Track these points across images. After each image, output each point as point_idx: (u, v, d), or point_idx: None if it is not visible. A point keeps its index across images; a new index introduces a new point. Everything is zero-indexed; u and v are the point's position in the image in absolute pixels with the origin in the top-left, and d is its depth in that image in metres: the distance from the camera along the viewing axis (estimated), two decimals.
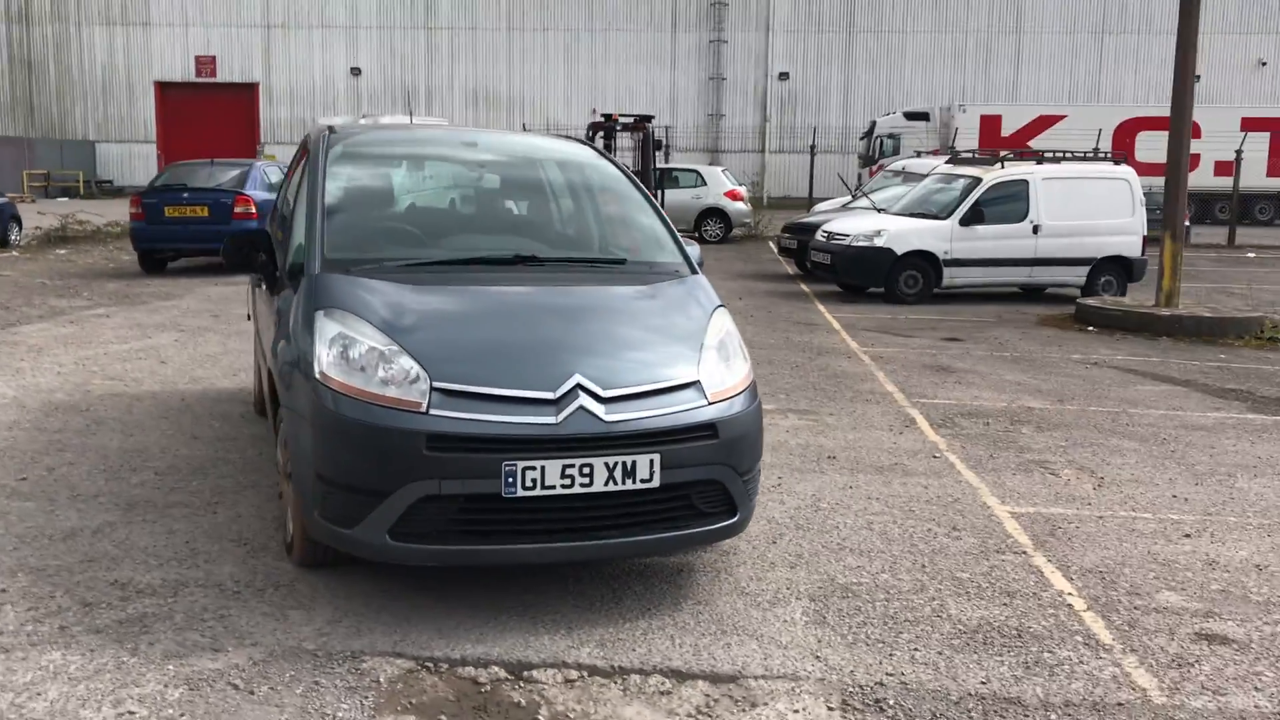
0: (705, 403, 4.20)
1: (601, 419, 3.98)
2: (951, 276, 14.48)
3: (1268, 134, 37.95)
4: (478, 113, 46.29)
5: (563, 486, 3.92)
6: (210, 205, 14.86)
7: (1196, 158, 33.27)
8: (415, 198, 5.48)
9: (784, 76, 46.94)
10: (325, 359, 4.12)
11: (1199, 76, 49.45)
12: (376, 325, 4.20)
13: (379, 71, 46.82)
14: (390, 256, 4.74)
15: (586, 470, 3.94)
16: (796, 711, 3.53)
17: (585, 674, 3.75)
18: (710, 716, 3.50)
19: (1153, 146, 31.09)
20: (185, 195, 15.02)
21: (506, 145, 6.05)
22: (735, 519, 4.30)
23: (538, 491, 3.90)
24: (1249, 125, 38.00)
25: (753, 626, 4.15)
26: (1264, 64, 46.69)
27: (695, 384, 4.24)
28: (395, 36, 46.70)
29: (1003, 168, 14.89)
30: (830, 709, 3.55)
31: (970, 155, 17.25)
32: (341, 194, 5.05)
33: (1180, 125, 12.86)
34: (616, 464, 3.97)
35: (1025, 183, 14.64)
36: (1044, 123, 37.81)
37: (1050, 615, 4.34)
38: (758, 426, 4.39)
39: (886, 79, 46.85)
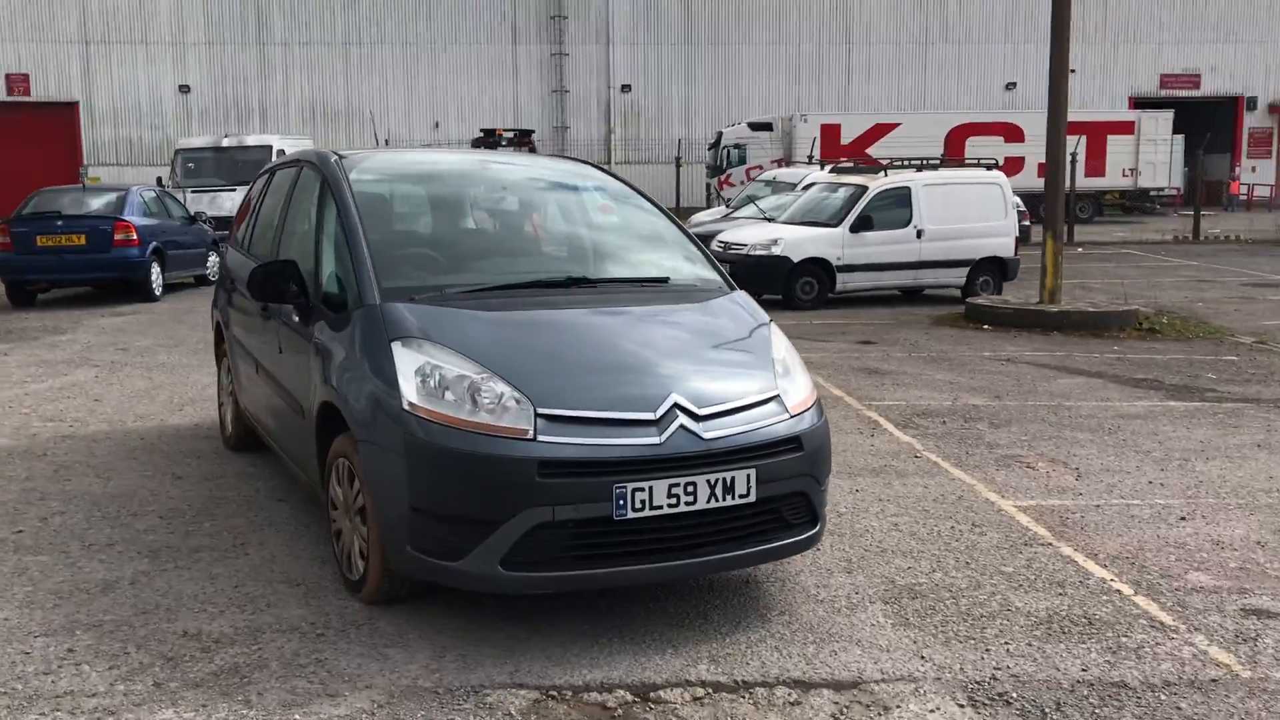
0: (788, 416, 4.30)
1: (701, 437, 4.03)
2: (844, 281, 14.93)
3: (1083, 137, 40.31)
4: (315, 129, 45.23)
5: (669, 506, 3.96)
6: (88, 233, 14.14)
7: (1021, 161, 35.08)
8: (449, 222, 5.39)
9: (626, 89, 47.42)
10: (412, 390, 4.05)
11: (1013, 84, 52.02)
12: (461, 353, 4.14)
13: (209, 88, 45.27)
14: (448, 283, 4.67)
15: (690, 488, 3.98)
16: (932, 712, 3.65)
17: (710, 690, 3.79)
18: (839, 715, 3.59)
19: (982, 151, 32.65)
20: (59, 223, 14.25)
21: (519, 167, 6.02)
22: (816, 529, 4.41)
23: (646, 512, 3.93)
24: (1069, 129, 40.24)
25: (845, 632, 4.25)
26: (1074, 71, 49.43)
27: (776, 398, 4.33)
28: (226, 52, 45.24)
29: (886, 175, 15.45)
30: (961, 706, 3.69)
31: (853, 164, 17.83)
32: (377, 220, 4.94)
33: (1056, 132, 13.61)
34: (717, 481, 4.02)
35: (908, 189, 15.21)
36: (880, 130, 39.24)
37: (1105, 602, 4.58)
38: (829, 437, 4.50)
39: (726, 91, 47.87)
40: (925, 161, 16.14)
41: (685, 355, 4.38)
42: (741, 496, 4.08)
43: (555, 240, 5.45)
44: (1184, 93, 48.73)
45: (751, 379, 4.36)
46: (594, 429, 3.95)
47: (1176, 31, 49.55)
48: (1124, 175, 39.55)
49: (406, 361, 4.14)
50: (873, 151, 35.71)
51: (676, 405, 4.06)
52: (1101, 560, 5.09)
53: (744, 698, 3.75)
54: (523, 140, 20.84)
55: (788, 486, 4.22)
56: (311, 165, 5.59)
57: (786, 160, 37.98)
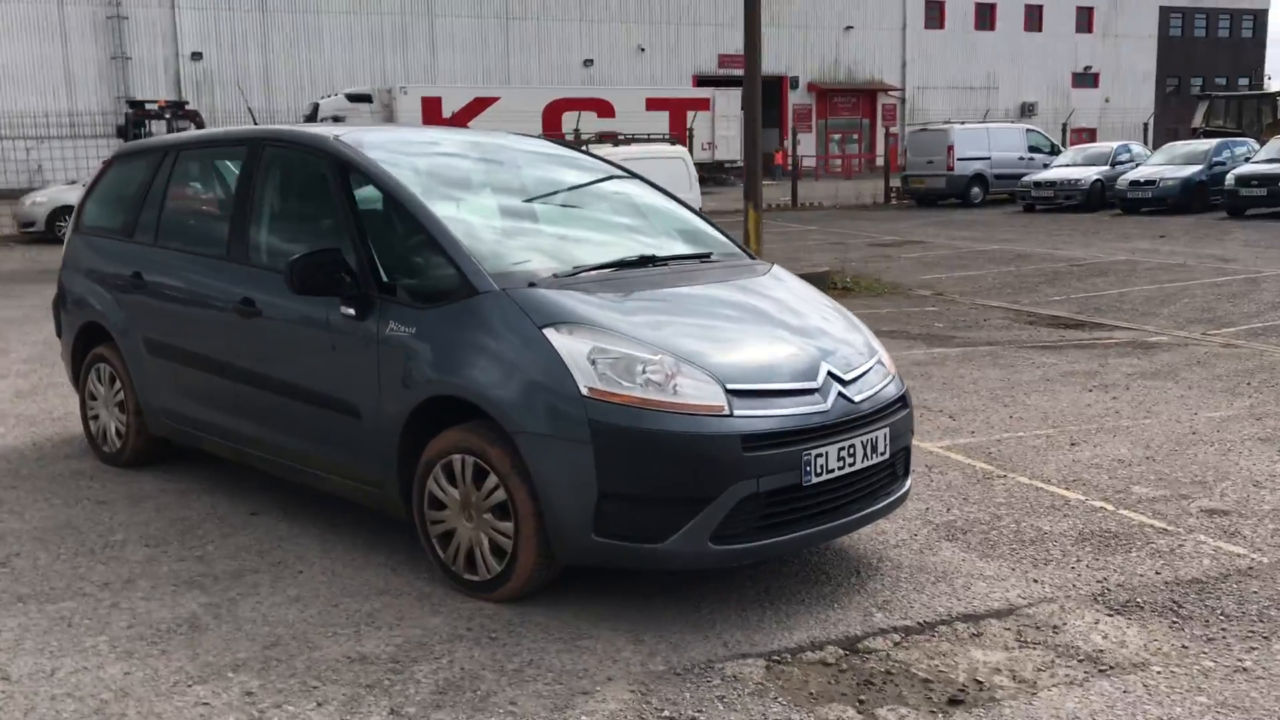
0: (892, 375, 4.66)
1: (853, 401, 4.30)
2: None
3: (667, 113, 42.95)
4: None
5: (837, 469, 4.20)
6: None
7: (613, 135, 36.90)
8: (500, 203, 5.16)
9: (197, 56, 44.48)
10: (590, 376, 3.98)
11: (591, 61, 54.25)
12: (621, 334, 4.11)
13: None
14: (546, 266, 4.55)
15: (851, 450, 4.24)
16: (1094, 625, 4.17)
17: (903, 634, 4.10)
18: (1036, 644, 4.03)
19: (574, 123, 34.12)
20: None
21: (513, 144, 5.80)
22: (910, 481, 4.80)
23: (823, 477, 4.14)
24: (653, 105, 42.79)
25: (951, 569, 4.69)
26: (643, 50, 52.43)
27: (878, 359, 4.67)
28: None
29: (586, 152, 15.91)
30: (1110, 615, 4.24)
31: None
32: (435, 203, 4.68)
33: (752, 106, 14.67)
34: (867, 441, 4.31)
35: None
36: (481, 104, 39.63)
37: (1105, 518, 5.34)
38: None
39: (307, 60, 46.20)
40: (620, 138, 16.76)
41: (805, 324, 4.59)
42: (880, 455, 4.39)
43: (602, 218, 5.38)
44: (739, 71, 53.03)
45: (858, 343, 4.66)
46: (774, 400, 4.09)
47: (732, 15, 53.62)
48: (704, 149, 42.55)
49: (571, 348, 4.05)
50: (474, 124, 36.15)
51: (830, 373, 4.29)
52: (1057, 484, 5.87)
53: (935, 636, 4.08)
54: (189, 114, 19.09)
55: (901, 442, 4.57)
56: (301, 147, 5.16)
57: None
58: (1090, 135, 55.33)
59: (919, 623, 4.18)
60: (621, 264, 4.75)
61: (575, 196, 5.49)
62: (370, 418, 4.58)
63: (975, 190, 28.97)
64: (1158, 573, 4.65)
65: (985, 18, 59.31)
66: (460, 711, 3.50)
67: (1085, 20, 61.60)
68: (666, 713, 3.50)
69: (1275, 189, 21.80)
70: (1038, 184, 26.97)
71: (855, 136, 57.01)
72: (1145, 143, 38.09)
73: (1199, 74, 64.08)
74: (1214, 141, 25.69)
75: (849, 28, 56.00)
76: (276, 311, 4.98)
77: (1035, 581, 4.56)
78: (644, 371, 3.99)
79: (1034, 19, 60.19)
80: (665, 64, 52.55)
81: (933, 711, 3.53)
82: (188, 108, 19.10)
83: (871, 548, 4.94)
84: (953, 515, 5.37)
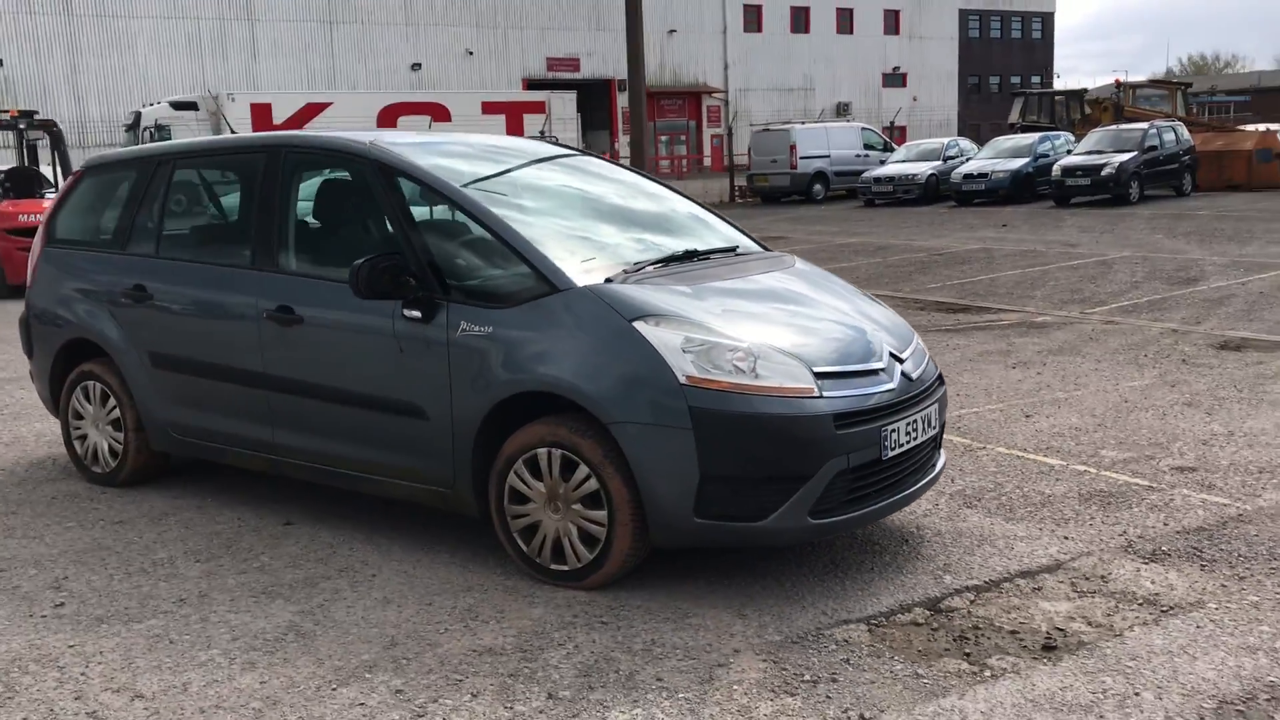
0: (927, 355, 4.99)
1: (911, 379, 4.61)
2: None
3: (504, 116, 42.87)
4: None
5: (905, 443, 4.50)
6: None
7: None
8: (546, 202, 5.23)
9: None
10: (687, 365, 4.16)
11: (419, 65, 53.55)
12: (703, 324, 4.31)
13: None
14: (613, 261, 4.69)
15: (914, 426, 4.56)
16: (1136, 572, 4.59)
17: (976, 593, 4.43)
18: (1094, 593, 4.42)
19: (413, 129, 33.82)
20: None
21: (540, 149, 5.88)
22: (945, 456, 5.14)
23: (895, 451, 4.44)
24: (490, 109, 42.65)
25: (986, 533, 5.05)
26: (471, 53, 52.21)
27: (917, 339, 5.00)
28: None
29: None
30: (1146, 562, 4.67)
31: None
32: (499, 206, 4.77)
33: (638, 109, 14.98)
34: (925, 416, 4.64)
35: None
36: (313, 110, 38.68)
37: (1095, 479, 5.81)
38: None
39: (119, 67, 44.33)
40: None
41: (854, 308, 4.88)
42: (931, 429, 4.72)
43: (633, 215, 5.50)
44: (567, 75, 53.43)
45: (899, 324, 4.97)
46: (852, 381, 4.36)
47: (559, 19, 54.00)
48: None
49: (665, 339, 4.22)
50: (309, 130, 35.38)
51: (890, 352, 4.59)
52: (1035, 452, 6.34)
53: (1003, 592, 4.42)
54: (46, 124, 18.04)
55: (941, 417, 4.91)
56: (335, 154, 5.17)
57: None
58: (902, 133, 57.93)
59: (984, 581, 4.51)
60: (671, 259, 4.93)
61: (600, 194, 5.62)
62: (439, 419, 4.64)
63: (818, 187, 30.07)
64: (1165, 524, 5.12)
65: (800, 21, 61.28)
66: (613, 691, 3.64)
67: (893, 23, 64.32)
68: (806, 677, 3.72)
69: (1097, 178, 23.40)
70: (877, 179, 28.18)
71: (683, 138, 58.10)
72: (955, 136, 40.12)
73: (996, 73, 67.72)
74: (1036, 136, 27.38)
75: (672, 31, 57.02)
76: (322, 318, 4.96)
77: (1066, 538, 4.96)
78: (732, 359, 4.20)
79: (845, 22, 62.52)
80: (494, 67, 52.46)
81: (1035, 658, 3.85)
82: (38, 117, 18.11)
83: (905, 519, 5.26)
84: (960, 485, 5.75)
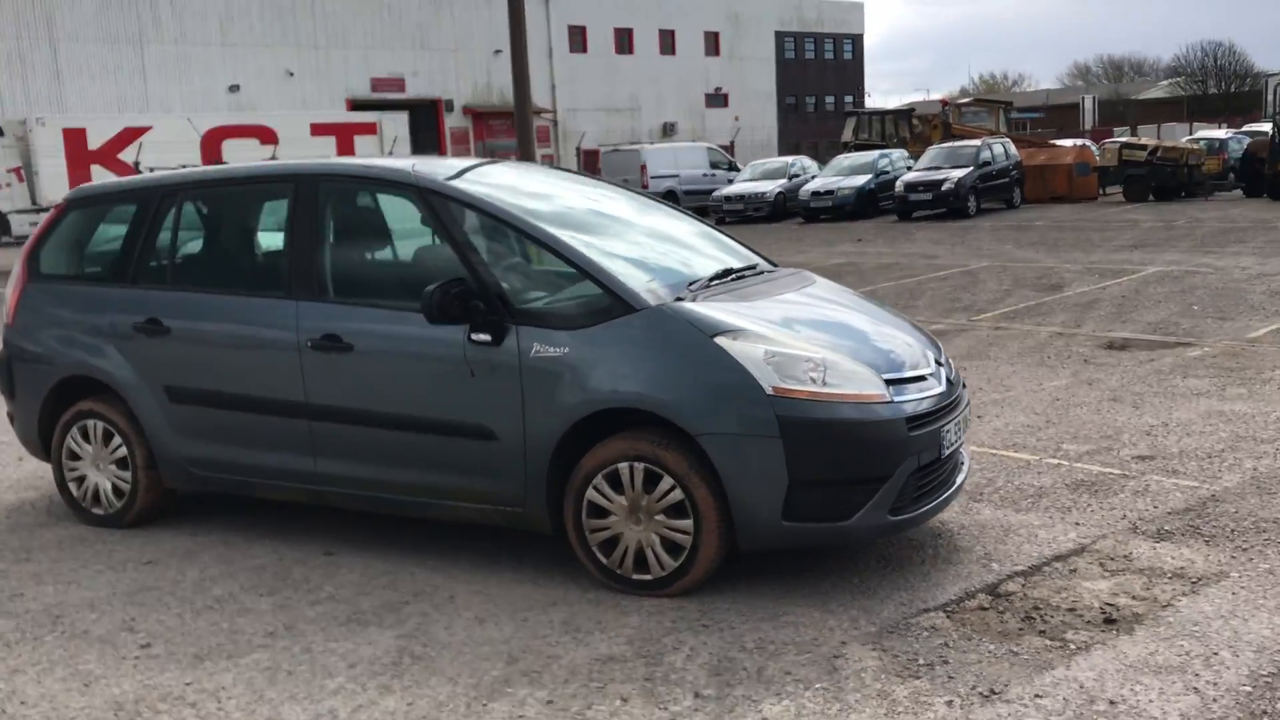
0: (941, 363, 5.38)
1: (951, 381, 4.98)
2: None
3: (334, 138, 42.11)
4: None
5: (954, 443, 4.87)
6: None
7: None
8: (588, 225, 5.34)
9: None
10: (771, 375, 4.41)
11: (237, 87, 52.07)
12: (777, 338, 4.57)
13: None
14: (671, 281, 4.89)
15: (959, 425, 4.93)
16: (1153, 550, 5.06)
17: (1025, 578, 4.81)
18: (1122, 570, 4.86)
19: (240, 152, 33.13)
20: None
21: (559, 174, 6.00)
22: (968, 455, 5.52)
23: (948, 450, 4.80)
24: (319, 130, 41.83)
25: (1003, 525, 5.45)
26: (292, 74, 51.08)
27: (941, 347, 5.38)
28: None
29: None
30: (1157, 541, 5.15)
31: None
32: (557, 229, 4.92)
33: (525, 132, 15.13)
34: (963, 417, 5.01)
35: None
36: (132, 134, 37.07)
37: (1072, 471, 6.31)
38: None
39: None
40: None
41: (887, 319, 5.22)
42: (965, 429, 5.09)
43: (662, 236, 5.65)
44: (393, 95, 52.81)
45: (923, 334, 5.33)
46: (911, 386, 4.69)
47: (382, 38, 53.34)
48: None
49: (747, 352, 4.45)
50: (124, 156, 34.11)
51: (933, 359, 4.95)
52: (1005, 449, 6.83)
53: (1047, 576, 4.81)
54: None
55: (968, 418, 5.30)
56: (378, 183, 5.24)
57: (24, 170, 34.75)
58: (729, 151, 59.50)
59: (1027, 567, 4.90)
60: (715, 278, 5.16)
61: (623, 214, 5.77)
62: (510, 439, 4.74)
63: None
64: (1155, 507, 5.63)
65: (625, 42, 62.20)
66: (752, 686, 3.85)
67: (713, 44, 65.94)
68: (920, 661, 4.01)
69: (939, 193, 24.72)
70: (728, 198, 28.99)
71: (513, 158, 58.07)
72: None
73: (812, 92, 70.22)
74: (875, 153, 28.70)
75: (498, 51, 57.04)
76: (375, 345, 5.00)
77: (1077, 524, 5.41)
78: (806, 369, 4.47)
79: (668, 43, 63.76)
80: (316, 88, 51.40)
81: (1104, 631, 4.24)
82: None
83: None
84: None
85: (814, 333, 4.76)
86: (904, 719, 3.60)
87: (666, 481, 4.52)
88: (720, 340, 4.50)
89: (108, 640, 4.42)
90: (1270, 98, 57.85)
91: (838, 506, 4.44)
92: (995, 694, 3.75)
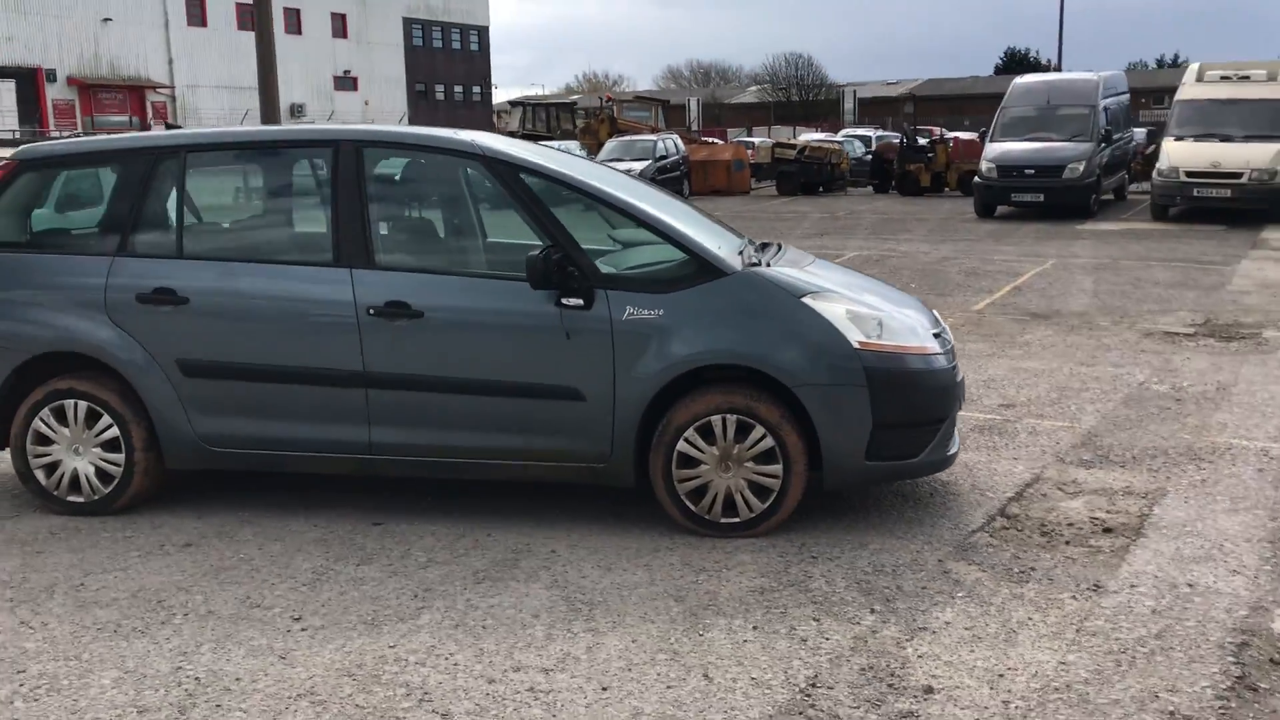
0: None
1: (949, 340, 5.76)
2: None
3: None
4: None
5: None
6: None
7: None
8: (638, 197, 5.50)
9: None
10: (855, 332, 4.98)
11: None
12: (849, 297, 5.15)
13: None
14: (734, 247, 5.30)
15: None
16: (1090, 474, 6.10)
17: (1018, 502, 5.67)
18: (1081, 493, 5.85)
19: None
20: None
21: (574, 155, 6.08)
22: None
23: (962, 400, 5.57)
24: None
25: (959, 466, 6.31)
26: None
27: None
28: None
29: None
30: (1089, 468, 6.19)
31: None
32: (632, 198, 5.20)
33: (272, 113, 14.54)
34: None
35: None
36: None
37: (965, 419, 7.31)
38: None
39: None
40: None
41: (887, 286, 5.89)
42: None
43: (686, 214, 5.88)
44: None
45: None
46: (941, 341, 5.41)
47: None
48: None
49: (831, 311, 4.98)
50: None
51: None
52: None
53: (1030, 500, 5.69)
54: None
55: None
56: (440, 150, 5.25)
57: None
58: None
59: (1011, 496, 5.74)
60: (756, 249, 5.62)
61: (644, 191, 6.01)
62: (598, 398, 4.99)
63: None
64: (1057, 444, 6.68)
65: (247, 18, 59.23)
66: (906, 600, 4.40)
67: (340, 26, 64.37)
68: (1015, 570, 4.72)
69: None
70: None
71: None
72: None
73: (441, 81, 70.24)
74: (655, 138, 28.54)
75: (107, 20, 52.79)
76: (449, 312, 5.05)
77: (1015, 459, 6.33)
78: (876, 324, 5.07)
79: (294, 23, 61.50)
80: None
81: (1114, 538, 5.13)
82: None
83: None
84: None
85: (863, 294, 5.35)
86: (1053, 613, 4.28)
87: (758, 431, 4.95)
88: (807, 300, 4.99)
89: (247, 618, 4.24)
90: (850, 105, 64.44)
91: (910, 445, 5.07)
92: (1099, 587, 4.52)
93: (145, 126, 55.19)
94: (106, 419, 5.32)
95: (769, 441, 4.96)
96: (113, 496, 5.38)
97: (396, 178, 5.39)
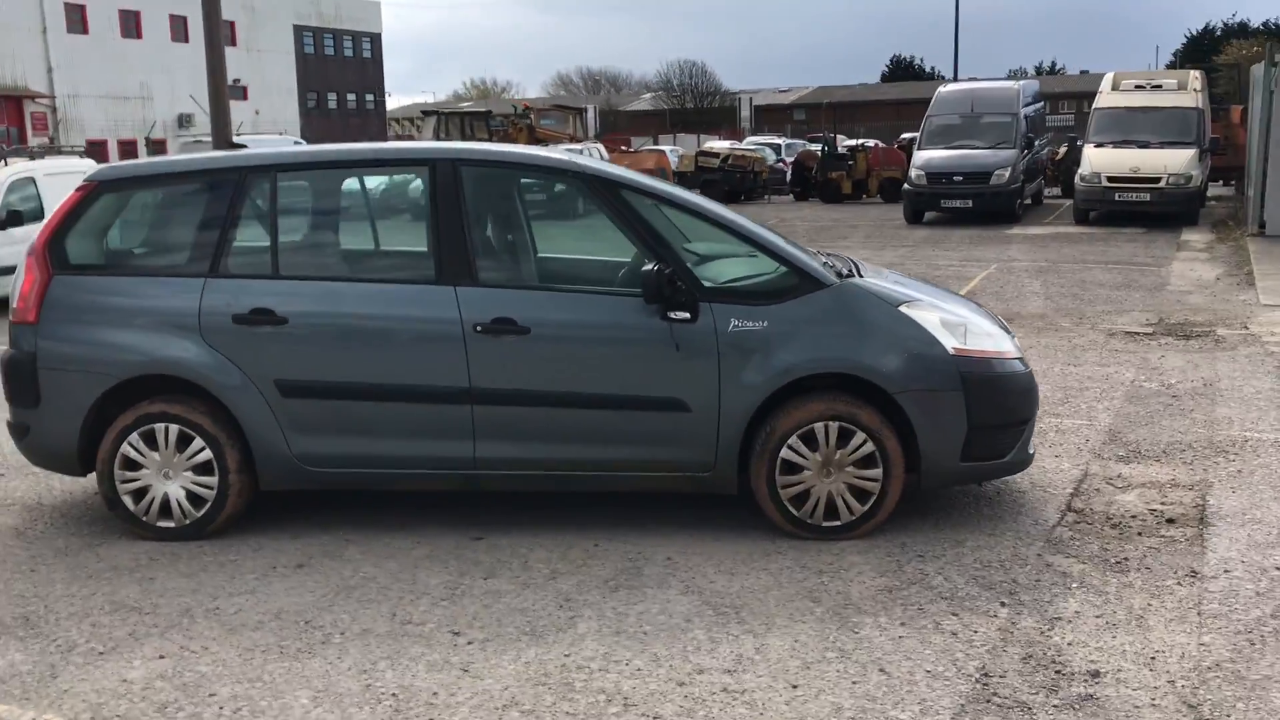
0: None
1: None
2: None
3: None
4: None
5: None
6: None
7: None
8: (725, 213, 5.63)
9: None
10: (949, 338, 5.21)
11: None
12: (936, 305, 5.39)
13: None
14: (815, 259, 5.50)
15: None
16: (1132, 469, 6.44)
17: (1079, 498, 5.98)
18: (1130, 486, 6.19)
19: None
20: None
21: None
22: None
23: None
24: None
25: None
26: None
27: None
28: None
29: (5, 164, 14.10)
30: (1126, 462, 6.54)
31: None
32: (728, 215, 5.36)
33: (221, 123, 14.30)
34: None
35: (33, 179, 14.13)
36: None
37: None
38: None
39: None
40: (33, 151, 14.91)
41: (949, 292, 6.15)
42: None
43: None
44: None
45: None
46: (1015, 346, 5.67)
47: None
48: None
49: (927, 319, 5.21)
50: None
51: None
52: None
53: (1087, 495, 6.00)
54: None
55: None
56: (539, 170, 5.34)
57: None
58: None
59: (1071, 491, 6.04)
60: (825, 259, 5.82)
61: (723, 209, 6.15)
62: (703, 409, 5.13)
63: None
64: (1088, 440, 7.03)
65: (131, 26, 57.82)
66: (1029, 593, 4.63)
67: (229, 34, 62.96)
68: (1111, 561, 4.99)
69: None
70: None
71: (5, 145, 51.96)
72: None
73: (334, 89, 69.22)
74: (579, 148, 28.79)
75: None
76: (555, 327, 5.13)
77: (1057, 457, 6.66)
78: (963, 330, 5.31)
79: (180, 30, 60.04)
80: None
81: (1181, 527, 5.46)
82: None
83: None
84: None
85: (946, 301, 5.59)
86: (1168, 598, 4.56)
87: (859, 436, 5.15)
88: (904, 309, 5.21)
89: (406, 634, 4.27)
90: (748, 113, 65.40)
91: (999, 446, 5.32)
92: (1196, 574, 4.83)
93: (24, 139, 53.25)
94: (199, 442, 5.26)
95: (869, 447, 5.16)
96: (206, 520, 5.32)
97: (494, 195, 5.45)
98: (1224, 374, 8.83)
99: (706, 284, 5.17)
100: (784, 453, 5.17)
